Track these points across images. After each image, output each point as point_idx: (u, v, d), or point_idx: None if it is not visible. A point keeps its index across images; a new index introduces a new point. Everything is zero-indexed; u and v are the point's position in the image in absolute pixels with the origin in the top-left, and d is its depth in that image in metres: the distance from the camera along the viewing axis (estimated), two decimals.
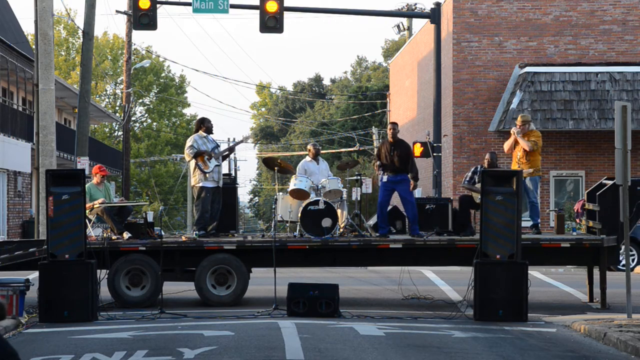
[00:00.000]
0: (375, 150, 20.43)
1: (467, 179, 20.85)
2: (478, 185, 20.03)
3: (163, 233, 20.89)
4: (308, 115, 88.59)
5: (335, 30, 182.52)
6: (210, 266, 19.33)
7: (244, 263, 19.40)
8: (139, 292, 19.24)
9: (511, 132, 20.45)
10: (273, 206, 20.29)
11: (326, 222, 19.55)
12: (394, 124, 20.80)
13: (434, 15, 31.13)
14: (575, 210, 28.19)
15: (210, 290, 19.33)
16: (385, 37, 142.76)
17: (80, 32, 44.36)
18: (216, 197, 20.13)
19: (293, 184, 20.18)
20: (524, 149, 20.10)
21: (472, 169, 21.06)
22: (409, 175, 20.08)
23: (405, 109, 47.26)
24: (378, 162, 20.33)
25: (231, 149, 21.22)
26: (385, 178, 20.14)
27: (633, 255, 27.56)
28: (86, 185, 18.69)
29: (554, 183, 34.79)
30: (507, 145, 20.51)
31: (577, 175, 34.77)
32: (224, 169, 21.90)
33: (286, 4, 27.43)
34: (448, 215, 20.98)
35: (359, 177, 22.66)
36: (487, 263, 17.14)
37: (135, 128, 76.98)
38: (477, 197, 20.21)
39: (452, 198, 24.80)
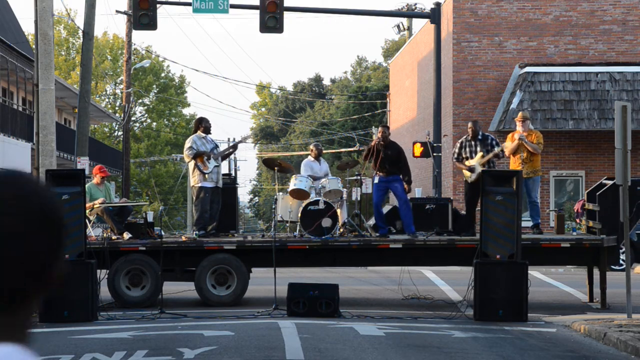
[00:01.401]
0: (366, 151, 20.31)
1: (455, 155, 20.58)
2: (467, 162, 20.05)
3: (163, 233, 20.89)
4: (308, 115, 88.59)
5: (335, 30, 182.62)
6: (210, 266, 19.33)
7: (244, 263, 19.40)
8: (139, 292, 19.24)
9: (517, 139, 20.19)
10: (273, 206, 20.29)
11: (326, 222, 19.55)
12: (386, 127, 20.80)
13: (434, 15, 31.13)
14: (575, 210, 28.19)
15: (210, 290, 19.33)
16: (385, 37, 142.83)
17: (80, 32, 44.38)
18: (215, 198, 20.14)
19: (293, 184, 20.18)
20: (529, 150, 20.06)
21: (458, 143, 20.70)
22: (401, 177, 20.08)
23: (405, 109, 47.26)
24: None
25: (234, 148, 21.21)
26: (377, 179, 20.18)
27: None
28: (86, 185, 18.70)
29: (554, 183, 34.79)
30: (510, 151, 20.33)
31: (577, 175, 34.78)
32: (224, 169, 21.91)
33: (286, 4, 27.43)
34: (448, 215, 20.98)
35: (358, 177, 22.67)
36: (487, 263, 17.14)
37: (135, 128, 76.99)
38: (467, 176, 20.16)
39: (452, 198, 24.80)
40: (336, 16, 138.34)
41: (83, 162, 30.99)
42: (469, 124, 20.44)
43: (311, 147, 21.46)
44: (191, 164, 20.12)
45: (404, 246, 19.53)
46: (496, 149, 19.89)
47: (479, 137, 20.11)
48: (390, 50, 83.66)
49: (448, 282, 23.61)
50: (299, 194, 20.02)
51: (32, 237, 1.78)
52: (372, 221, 21.01)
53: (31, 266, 1.79)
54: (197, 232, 19.96)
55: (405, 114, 47.27)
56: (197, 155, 19.94)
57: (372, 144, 20.17)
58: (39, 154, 26.91)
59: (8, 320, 1.80)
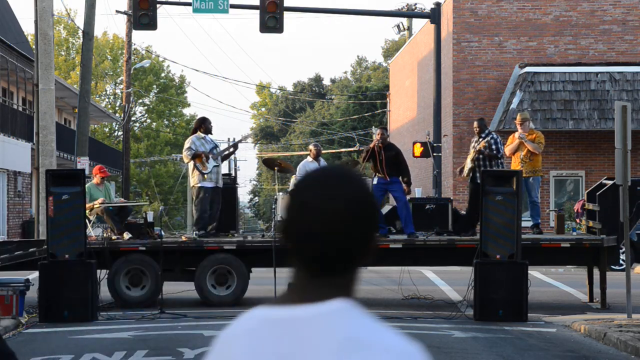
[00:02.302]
0: (365, 152, 20.31)
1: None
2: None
3: (163, 233, 20.88)
4: (308, 115, 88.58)
5: (335, 30, 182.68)
6: (210, 266, 19.33)
7: (244, 263, 19.39)
8: (139, 292, 19.24)
9: (516, 137, 20.20)
10: (273, 206, 20.29)
11: None
12: (384, 129, 20.82)
13: (434, 15, 31.12)
14: (575, 210, 28.20)
15: (210, 290, 19.33)
16: (385, 37, 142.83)
17: (80, 32, 44.37)
18: (215, 198, 20.12)
19: (293, 184, 20.16)
20: (529, 150, 20.04)
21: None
22: (400, 178, 20.08)
23: (405, 109, 47.26)
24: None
25: (234, 147, 21.20)
26: (375, 180, 20.19)
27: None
28: (86, 185, 18.70)
29: (554, 183, 34.79)
30: (510, 150, 20.32)
31: (577, 175, 34.77)
32: (224, 169, 21.90)
33: (286, 4, 27.42)
34: (448, 215, 20.96)
35: None
36: (487, 263, 17.14)
37: (135, 128, 77.00)
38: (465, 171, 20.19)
39: (452, 198, 24.80)
40: (336, 16, 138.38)
41: (83, 162, 30.99)
42: (474, 123, 20.47)
43: (310, 147, 21.46)
44: (190, 164, 20.13)
45: (404, 246, 19.53)
46: (484, 148, 19.78)
47: (482, 134, 20.11)
48: (390, 50, 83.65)
49: (448, 282, 23.60)
50: None
51: (361, 219, 2.35)
52: None
53: (360, 240, 2.36)
54: (197, 232, 19.95)
55: (405, 114, 47.27)
56: (196, 156, 19.93)
57: (371, 145, 20.17)
58: (39, 154, 26.91)
59: (342, 280, 2.37)
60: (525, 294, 17.00)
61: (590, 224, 20.38)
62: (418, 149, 31.69)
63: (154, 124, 79.03)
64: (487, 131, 20.19)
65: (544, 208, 33.15)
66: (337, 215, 2.33)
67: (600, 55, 34.97)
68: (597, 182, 21.81)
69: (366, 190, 2.40)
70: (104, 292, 18.62)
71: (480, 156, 19.82)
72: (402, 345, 2.27)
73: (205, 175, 19.89)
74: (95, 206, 19.83)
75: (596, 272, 19.92)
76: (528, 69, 34.04)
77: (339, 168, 2.43)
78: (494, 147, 19.81)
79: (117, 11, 58.09)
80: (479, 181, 18.92)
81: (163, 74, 78.86)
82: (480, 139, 20.03)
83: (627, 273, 16.97)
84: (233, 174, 23.45)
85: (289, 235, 2.38)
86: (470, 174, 20.00)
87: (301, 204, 2.37)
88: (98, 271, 17.66)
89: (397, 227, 20.91)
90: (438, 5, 31.27)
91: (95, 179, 20.57)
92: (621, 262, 24.36)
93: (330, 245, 2.33)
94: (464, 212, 21.15)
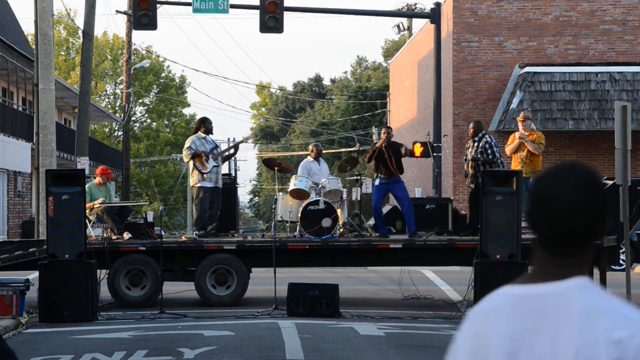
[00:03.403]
0: (371, 152, 20.33)
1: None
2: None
3: (163, 233, 20.88)
4: (308, 115, 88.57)
5: (335, 30, 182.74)
6: (210, 266, 19.33)
7: (244, 263, 19.39)
8: (139, 292, 19.24)
9: (517, 137, 20.20)
10: (273, 206, 20.29)
11: (326, 222, 19.55)
12: (389, 128, 20.85)
13: (434, 15, 31.11)
14: None
15: (210, 290, 19.33)
16: (385, 37, 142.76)
17: (80, 32, 44.36)
18: (215, 198, 20.13)
19: (293, 184, 20.18)
20: (529, 150, 20.04)
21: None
22: (400, 177, 20.14)
23: (405, 109, 47.27)
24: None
25: (235, 148, 21.21)
26: (377, 182, 20.20)
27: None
28: (86, 185, 18.71)
29: None
30: (510, 150, 20.32)
31: None
32: (224, 169, 21.91)
33: (286, 4, 27.41)
34: (448, 215, 20.96)
35: (359, 177, 22.68)
36: (487, 263, 17.14)
37: (135, 128, 76.99)
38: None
39: (452, 198, 24.79)
40: (336, 16, 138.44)
41: (83, 162, 31.00)
42: (470, 124, 20.50)
43: (311, 147, 21.47)
44: (190, 164, 20.14)
45: (404, 246, 19.53)
46: (479, 154, 19.78)
47: (476, 138, 20.11)
48: (390, 50, 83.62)
49: (448, 282, 23.59)
50: (299, 194, 20.02)
51: (598, 204, 2.71)
52: (372, 221, 20.99)
53: (596, 222, 2.69)
54: (197, 232, 19.96)
55: (405, 114, 47.28)
56: (195, 156, 19.94)
57: (377, 145, 20.15)
58: (39, 154, 26.91)
59: (579, 260, 2.69)
60: None
61: None
62: (418, 149, 31.62)
63: (154, 124, 79.03)
64: (480, 134, 20.16)
65: None
66: (580, 201, 2.69)
67: (600, 55, 34.96)
68: None
69: (600, 179, 2.76)
70: (104, 292, 18.62)
71: (479, 163, 19.83)
72: (637, 314, 2.59)
73: (205, 175, 19.89)
74: (95, 206, 19.84)
75: (596, 272, 19.92)
76: (528, 69, 34.03)
77: (577, 162, 2.83)
78: (489, 151, 19.82)
79: (117, 11, 58.11)
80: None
81: (163, 74, 78.86)
82: (473, 142, 20.03)
83: (627, 273, 16.98)
84: (233, 174, 23.45)
85: (534, 219, 2.75)
86: (473, 181, 19.98)
87: (547, 192, 2.73)
88: (98, 271, 17.66)
89: (397, 227, 20.91)
90: (438, 5, 31.26)
91: (97, 179, 20.57)
92: (621, 262, 24.34)
93: (572, 228, 2.68)
94: (464, 212, 21.15)
